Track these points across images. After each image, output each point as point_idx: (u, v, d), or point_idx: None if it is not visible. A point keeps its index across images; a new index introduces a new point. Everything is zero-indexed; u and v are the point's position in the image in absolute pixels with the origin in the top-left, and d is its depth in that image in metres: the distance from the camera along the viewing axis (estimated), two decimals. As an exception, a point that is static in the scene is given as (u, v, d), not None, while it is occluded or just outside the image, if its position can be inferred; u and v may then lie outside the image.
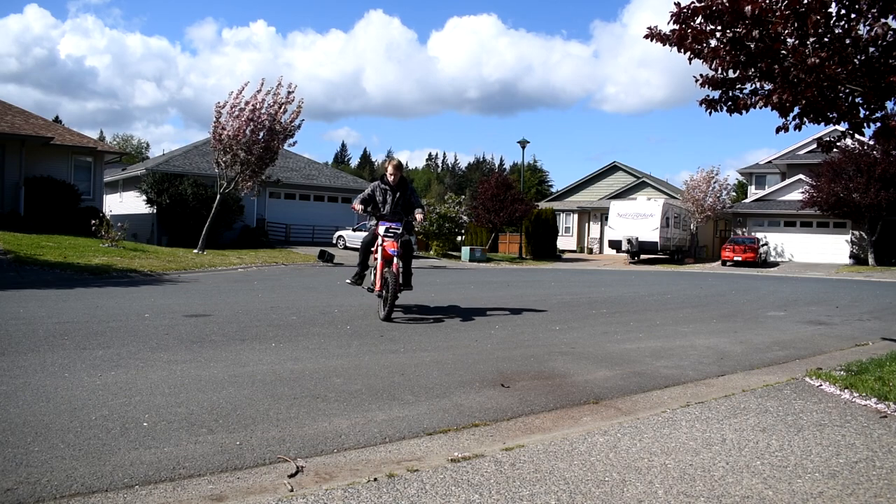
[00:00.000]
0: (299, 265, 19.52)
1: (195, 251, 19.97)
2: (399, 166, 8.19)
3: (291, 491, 2.65)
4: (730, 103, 5.70)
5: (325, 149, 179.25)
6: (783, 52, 5.02)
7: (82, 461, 2.90)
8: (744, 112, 5.65)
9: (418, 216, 8.04)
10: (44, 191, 20.74)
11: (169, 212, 24.02)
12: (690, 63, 5.57)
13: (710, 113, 5.79)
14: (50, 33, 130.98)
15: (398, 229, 7.79)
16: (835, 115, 5.36)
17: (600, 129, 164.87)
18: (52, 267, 13.22)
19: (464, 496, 2.61)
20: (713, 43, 5.29)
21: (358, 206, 8.09)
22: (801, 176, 34.35)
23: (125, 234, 19.38)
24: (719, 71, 5.46)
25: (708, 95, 5.78)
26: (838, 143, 6.26)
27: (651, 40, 5.57)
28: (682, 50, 5.37)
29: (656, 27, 5.57)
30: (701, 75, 5.73)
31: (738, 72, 5.40)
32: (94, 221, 18.60)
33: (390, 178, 8.04)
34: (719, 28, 5.18)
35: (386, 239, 7.70)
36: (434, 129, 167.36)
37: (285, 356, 5.36)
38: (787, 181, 36.03)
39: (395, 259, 7.64)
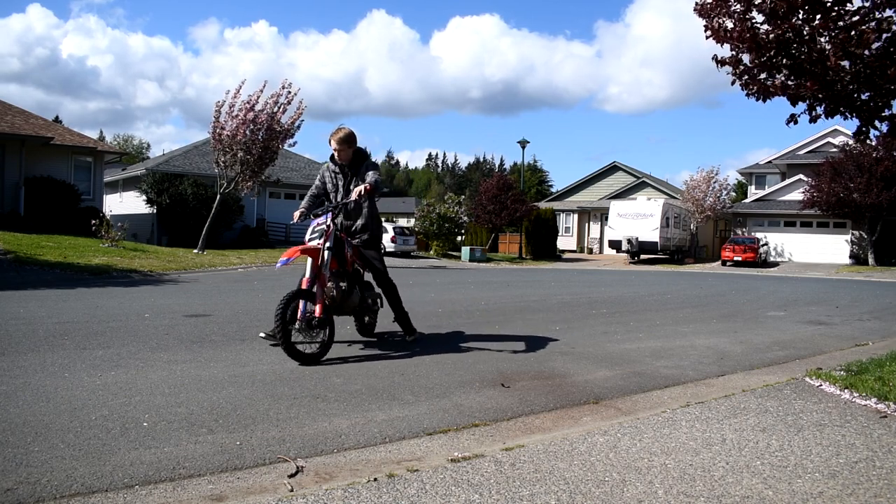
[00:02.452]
0: (299, 265, 19.51)
1: (195, 251, 19.97)
2: (347, 139, 5.72)
3: (291, 491, 2.65)
4: (754, 88, 5.61)
5: (328, 149, 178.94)
6: (790, 35, 4.98)
7: (82, 461, 2.90)
8: (763, 99, 5.52)
9: (353, 195, 5.53)
10: (44, 191, 20.74)
11: (169, 212, 24.03)
12: (707, 38, 5.47)
13: (746, 93, 5.60)
14: (52, 33, 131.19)
15: (326, 222, 5.49)
16: (848, 110, 5.32)
17: (602, 129, 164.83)
18: (52, 267, 13.21)
19: (464, 496, 2.61)
20: (729, 24, 5.25)
21: (297, 213, 5.81)
22: (801, 176, 34.35)
23: (125, 234, 19.38)
24: (737, 52, 5.40)
25: (735, 73, 5.66)
26: (870, 134, 6.16)
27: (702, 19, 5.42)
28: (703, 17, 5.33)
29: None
30: (721, 58, 5.64)
31: (752, 54, 5.33)
32: (94, 221, 18.60)
33: (338, 157, 5.82)
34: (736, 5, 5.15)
35: (313, 242, 5.47)
36: (435, 130, 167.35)
37: (285, 356, 5.36)
38: (787, 181, 36.04)
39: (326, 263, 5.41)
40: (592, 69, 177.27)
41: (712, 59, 5.62)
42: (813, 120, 5.64)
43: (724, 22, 5.26)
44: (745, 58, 5.45)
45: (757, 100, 5.56)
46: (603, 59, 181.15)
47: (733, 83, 5.67)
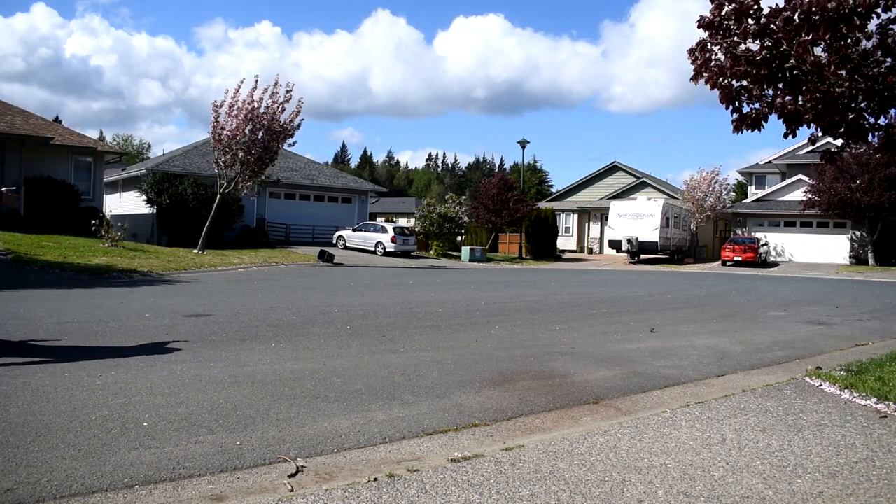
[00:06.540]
0: (299, 265, 19.51)
1: (195, 251, 19.96)
2: None
3: (291, 491, 2.65)
4: (740, 120, 5.61)
5: (329, 149, 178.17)
6: (785, 49, 4.99)
7: (82, 461, 2.90)
8: (756, 129, 5.50)
9: None
10: (44, 191, 20.73)
11: (169, 212, 24.02)
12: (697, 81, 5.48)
13: (741, 131, 5.62)
14: (56, 33, 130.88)
15: None
16: (843, 125, 5.31)
17: (605, 129, 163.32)
18: (52, 267, 13.21)
19: (464, 496, 2.61)
20: (720, 57, 5.24)
21: None
22: (801, 176, 34.34)
23: (125, 234, 19.37)
24: (727, 81, 5.40)
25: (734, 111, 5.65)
26: (843, 152, 6.16)
27: (698, 82, 5.44)
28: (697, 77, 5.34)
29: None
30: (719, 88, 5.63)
31: (746, 80, 5.34)
32: (94, 221, 18.60)
33: None
34: (725, 38, 5.15)
35: None
36: (438, 129, 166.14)
37: (285, 356, 5.36)
38: (787, 181, 36.03)
39: None
40: (597, 69, 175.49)
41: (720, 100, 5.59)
42: (812, 141, 5.64)
43: (715, 55, 5.24)
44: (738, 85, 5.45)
45: (752, 130, 5.56)
46: (608, 59, 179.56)
47: (737, 130, 5.63)
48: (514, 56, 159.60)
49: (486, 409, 4.07)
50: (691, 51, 5.33)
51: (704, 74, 5.30)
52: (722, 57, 5.26)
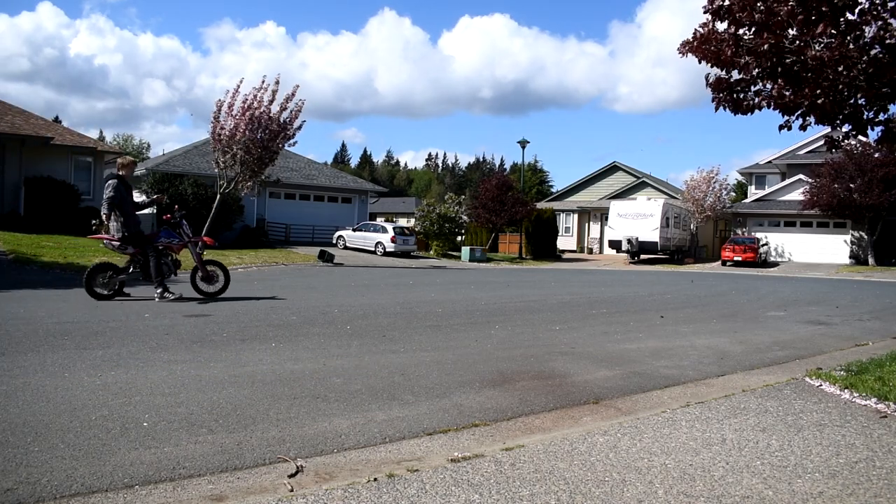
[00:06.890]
0: (299, 265, 19.51)
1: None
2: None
3: (291, 491, 2.65)
4: (733, 105, 5.67)
5: (330, 149, 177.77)
6: (786, 46, 5.00)
7: (82, 461, 2.90)
8: (749, 113, 5.60)
9: None
10: (44, 191, 20.74)
11: (169, 212, 24.08)
12: (700, 62, 5.54)
13: (717, 110, 5.74)
14: (61, 32, 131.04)
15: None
16: (839, 117, 5.34)
17: (609, 129, 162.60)
18: (52, 267, 13.22)
19: (464, 496, 2.61)
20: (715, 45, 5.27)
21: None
22: (801, 176, 34.35)
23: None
24: (724, 71, 5.44)
25: (715, 96, 5.73)
26: (843, 143, 6.20)
27: (684, 55, 5.51)
28: (698, 56, 5.39)
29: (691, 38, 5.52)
30: (706, 77, 5.69)
31: (741, 72, 5.38)
32: (94, 221, 18.52)
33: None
34: (727, 26, 5.19)
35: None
36: (443, 130, 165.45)
37: (285, 356, 5.36)
38: (787, 181, 36.03)
39: None
40: (604, 69, 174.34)
41: (706, 83, 5.66)
42: (803, 128, 5.68)
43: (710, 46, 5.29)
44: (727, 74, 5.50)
45: (744, 114, 5.61)
46: (615, 59, 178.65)
47: (717, 109, 5.75)
48: (520, 56, 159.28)
49: (486, 409, 4.07)
50: (695, 32, 5.38)
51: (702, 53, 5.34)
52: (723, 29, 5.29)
